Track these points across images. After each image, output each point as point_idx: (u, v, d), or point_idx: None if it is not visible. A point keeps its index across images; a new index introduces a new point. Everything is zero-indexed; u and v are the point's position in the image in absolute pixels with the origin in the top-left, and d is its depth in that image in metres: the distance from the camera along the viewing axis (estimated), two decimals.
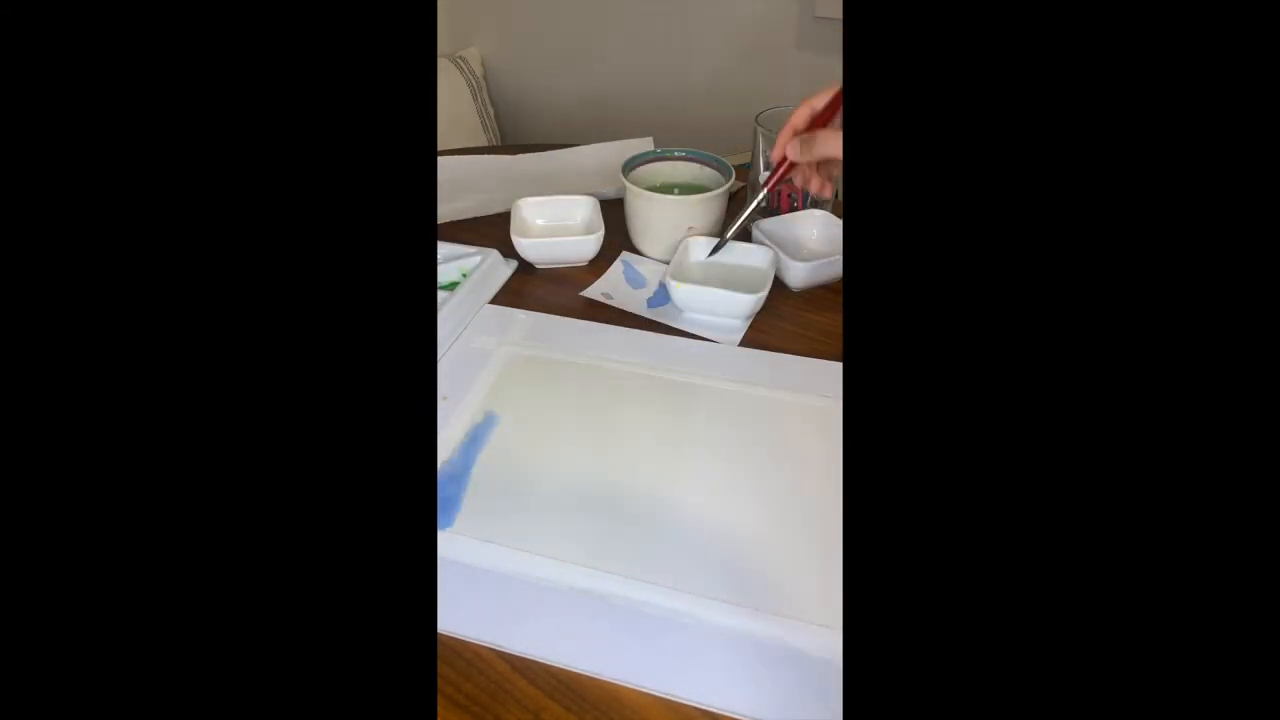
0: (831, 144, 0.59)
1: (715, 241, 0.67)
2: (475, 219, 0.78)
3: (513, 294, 0.67)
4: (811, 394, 0.56)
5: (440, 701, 0.37)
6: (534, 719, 0.37)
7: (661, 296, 0.67)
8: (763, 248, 0.66)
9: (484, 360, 0.59)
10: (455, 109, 1.38)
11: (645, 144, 0.87)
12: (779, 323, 0.64)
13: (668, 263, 0.67)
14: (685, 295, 0.62)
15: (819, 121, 0.61)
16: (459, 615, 0.41)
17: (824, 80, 0.60)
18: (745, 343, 0.61)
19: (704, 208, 0.69)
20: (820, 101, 0.61)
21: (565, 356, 0.59)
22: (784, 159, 0.62)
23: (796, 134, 0.61)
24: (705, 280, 0.63)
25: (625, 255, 0.72)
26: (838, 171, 0.63)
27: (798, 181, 0.64)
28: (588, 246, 0.70)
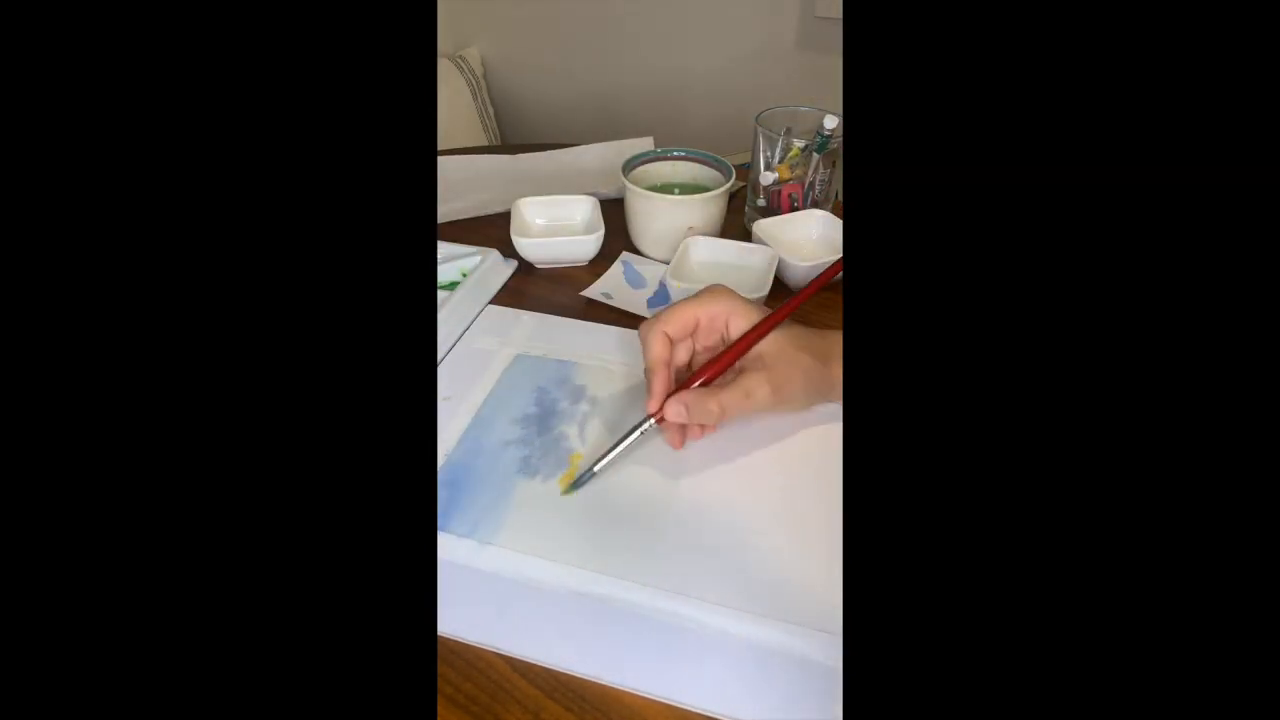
0: (726, 403, 0.46)
1: (719, 240, 0.66)
2: (475, 219, 0.78)
3: (513, 294, 0.67)
4: None
5: (440, 701, 0.37)
6: (534, 719, 0.37)
7: (661, 296, 0.66)
8: (763, 248, 0.66)
9: (485, 361, 0.59)
10: (455, 109, 1.38)
11: (645, 144, 0.87)
12: None
13: (668, 263, 0.67)
14: (685, 295, 0.62)
15: (700, 375, 0.48)
16: (459, 618, 0.41)
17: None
18: None
19: (704, 208, 0.69)
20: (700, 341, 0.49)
21: (565, 357, 0.59)
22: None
23: (666, 367, 0.49)
24: (705, 280, 0.63)
25: (625, 255, 0.72)
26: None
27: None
28: (588, 246, 0.70)
